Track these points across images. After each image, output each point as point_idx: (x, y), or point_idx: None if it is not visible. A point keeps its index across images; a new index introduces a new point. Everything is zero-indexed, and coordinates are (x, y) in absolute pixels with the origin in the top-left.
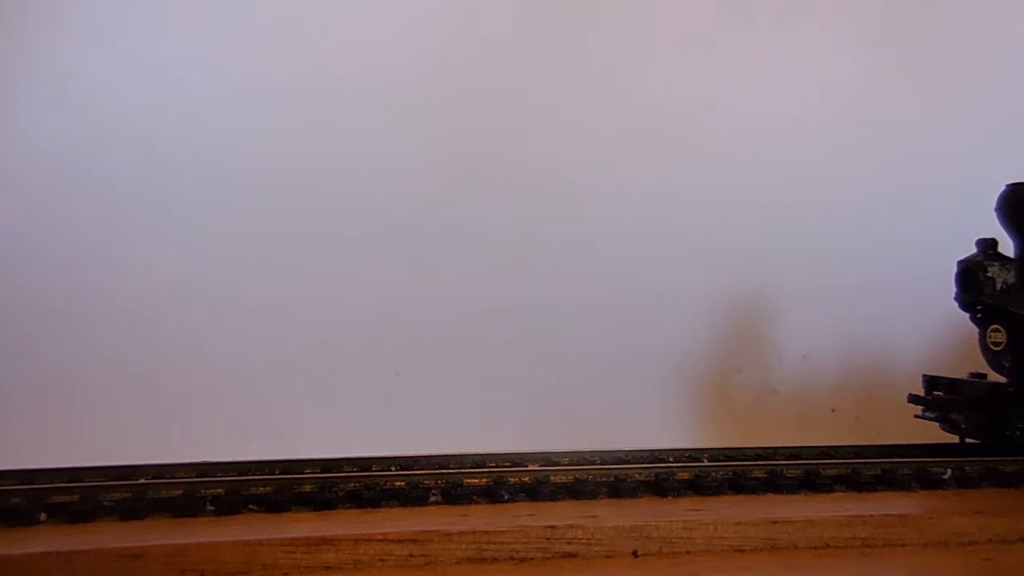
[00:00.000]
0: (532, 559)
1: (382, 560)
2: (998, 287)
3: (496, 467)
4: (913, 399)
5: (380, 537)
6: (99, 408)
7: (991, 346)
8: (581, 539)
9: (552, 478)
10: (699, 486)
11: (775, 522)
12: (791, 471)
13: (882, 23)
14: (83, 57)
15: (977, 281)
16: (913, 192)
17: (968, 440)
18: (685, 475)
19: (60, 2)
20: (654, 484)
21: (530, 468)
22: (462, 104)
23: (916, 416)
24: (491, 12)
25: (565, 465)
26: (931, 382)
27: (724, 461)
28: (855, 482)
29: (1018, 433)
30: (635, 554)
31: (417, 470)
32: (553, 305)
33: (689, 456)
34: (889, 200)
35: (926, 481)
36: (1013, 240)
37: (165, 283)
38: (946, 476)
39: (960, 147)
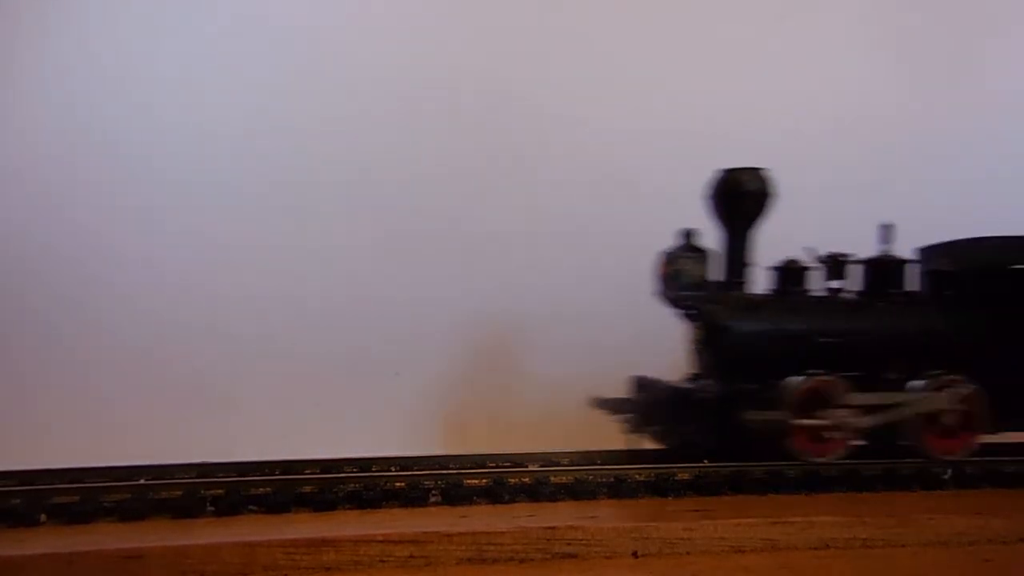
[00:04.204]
0: (532, 560)
1: (382, 561)
2: (692, 281)
3: (496, 467)
4: (600, 403)
5: (380, 538)
6: (98, 408)
7: (692, 345)
8: (581, 540)
9: (552, 478)
10: (699, 486)
11: (775, 523)
12: (791, 471)
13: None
14: (83, 52)
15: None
16: (913, 187)
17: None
18: (685, 475)
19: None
20: (654, 484)
21: (530, 468)
22: (461, 116)
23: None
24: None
25: (565, 465)
26: (638, 384)
27: (724, 461)
28: (855, 482)
29: (699, 437)
30: (635, 555)
31: (417, 470)
32: (553, 305)
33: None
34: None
35: (926, 481)
36: (719, 230)
37: (167, 285)
38: (946, 476)
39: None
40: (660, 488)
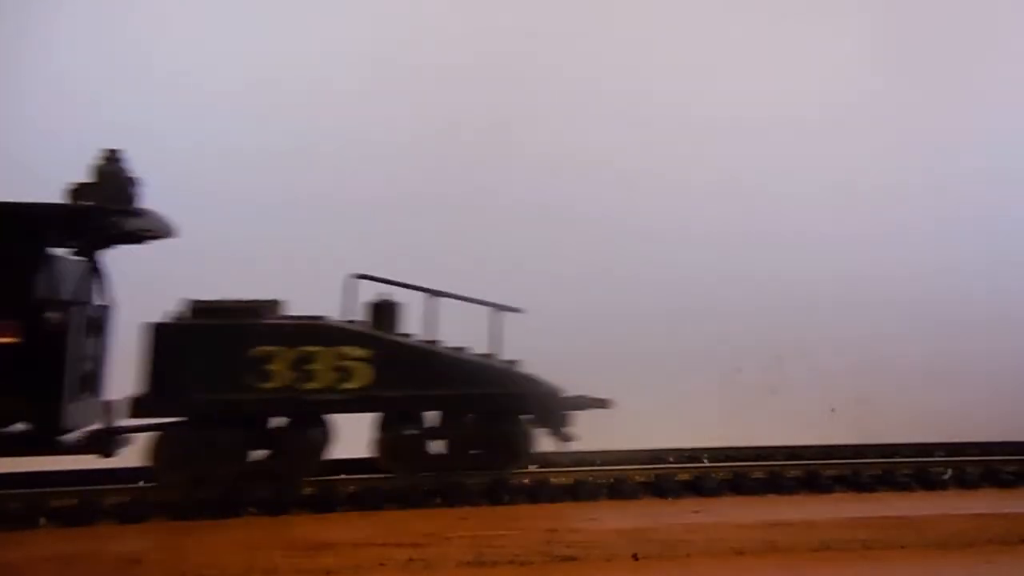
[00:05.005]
0: (532, 563)
1: (382, 564)
2: None
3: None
4: None
5: (380, 541)
6: None
7: None
8: (581, 542)
9: (552, 479)
10: (699, 487)
11: (775, 524)
12: (791, 471)
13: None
14: (81, 54)
15: None
16: (917, 188)
17: None
18: (685, 476)
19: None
20: (654, 485)
21: (530, 469)
22: (459, 112)
23: None
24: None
25: (565, 466)
26: None
27: (724, 461)
28: (855, 483)
29: None
30: (635, 557)
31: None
32: (551, 304)
33: (689, 456)
34: (888, 196)
35: (926, 482)
36: None
37: (169, 284)
38: (946, 477)
39: (967, 146)
40: (660, 489)
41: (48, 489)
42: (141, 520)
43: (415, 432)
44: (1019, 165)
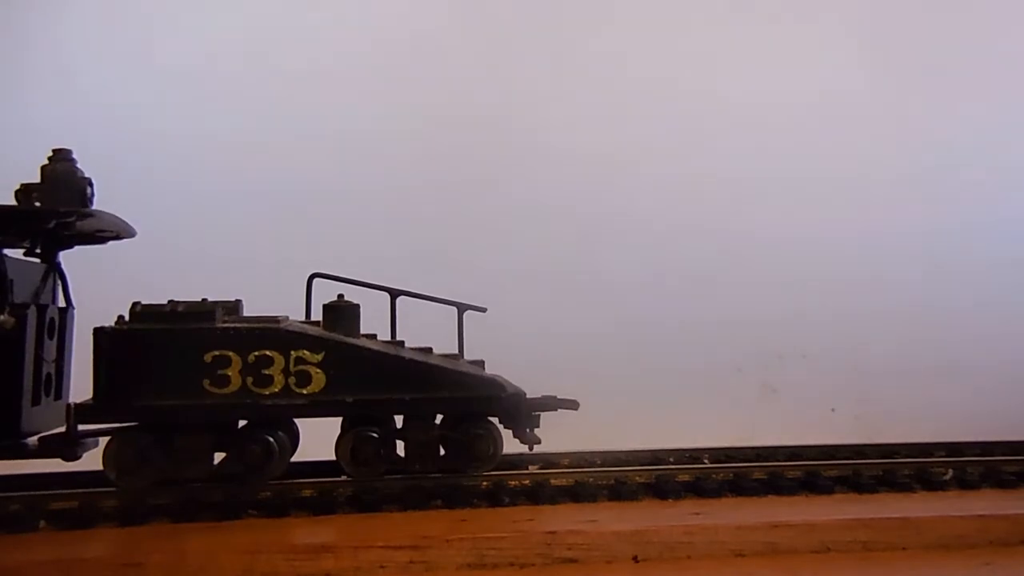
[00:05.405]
0: (532, 565)
1: (382, 567)
2: None
3: (496, 469)
4: None
5: (380, 544)
6: None
7: None
8: (581, 544)
9: (552, 481)
10: (700, 488)
11: (776, 526)
12: (792, 472)
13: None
14: (84, 50)
15: None
16: (915, 188)
17: None
18: (686, 477)
19: None
20: (655, 486)
21: (530, 471)
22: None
23: None
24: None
25: (565, 467)
26: None
27: (725, 462)
28: (856, 483)
29: None
30: (635, 559)
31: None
32: (551, 305)
33: (690, 456)
34: (889, 197)
35: (927, 482)
36: None
37: (170, 286)
38: (947, 477)
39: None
40: (660, 490)
41: (48, 492)
42: (142, 523)
43: (375, 435)
44: (1017, 168)
